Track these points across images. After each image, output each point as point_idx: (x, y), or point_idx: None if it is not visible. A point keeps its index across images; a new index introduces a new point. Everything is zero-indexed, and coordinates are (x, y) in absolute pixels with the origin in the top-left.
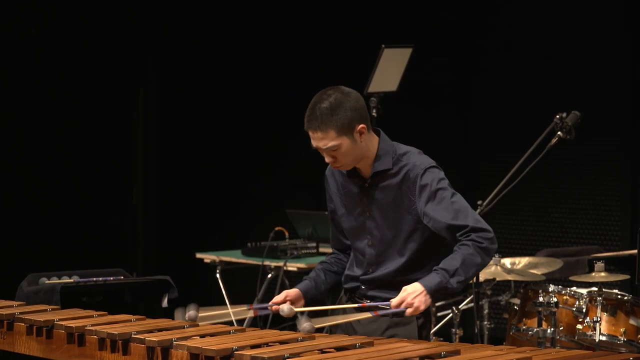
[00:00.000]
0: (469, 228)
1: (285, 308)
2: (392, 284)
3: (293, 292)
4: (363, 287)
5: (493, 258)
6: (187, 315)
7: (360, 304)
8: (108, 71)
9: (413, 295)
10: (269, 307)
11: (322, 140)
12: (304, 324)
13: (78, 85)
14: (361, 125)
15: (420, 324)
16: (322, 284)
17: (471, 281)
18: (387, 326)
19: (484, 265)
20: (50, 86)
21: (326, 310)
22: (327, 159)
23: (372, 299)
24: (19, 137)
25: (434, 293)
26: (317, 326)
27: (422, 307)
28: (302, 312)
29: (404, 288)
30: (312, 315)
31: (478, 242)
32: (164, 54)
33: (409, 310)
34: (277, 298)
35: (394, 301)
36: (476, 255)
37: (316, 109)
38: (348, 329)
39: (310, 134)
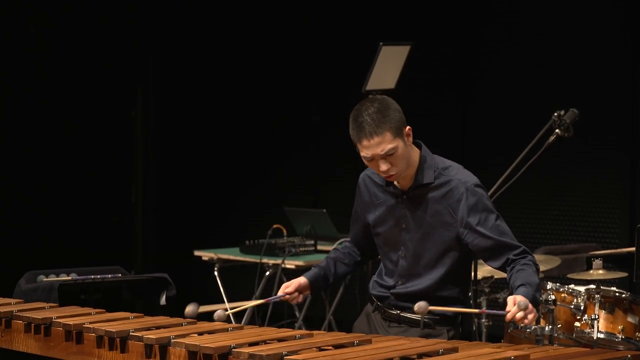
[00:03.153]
0: (522, 249)
1: (216, 316)
2: (422, 298)
3: (303, 282)
4: (393, 297)
5: None
6: (186, 311)
7: (480, 310)
8: (107, 70)
9: (530, 307)
10: (282, 298)
11: (379, 146)
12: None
13: (77, 84)
14: (408, 127)
15: (451, 336)
16: (331, 275)
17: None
18: (419, 337)
19: None
20: (49, 84)
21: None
22: (382, 168)
23: (402, 309)
24: (18, 135)
25: (534, 305)
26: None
27: (536, 318)
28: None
29: (510, 298)
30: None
31: (534, 263)
32: (163, 53)
33: (530, 318)
34: (288, 288)
35: (512, 312)
36: (537, 275)
37: (364, 116)
38: None
39: (365, 143)
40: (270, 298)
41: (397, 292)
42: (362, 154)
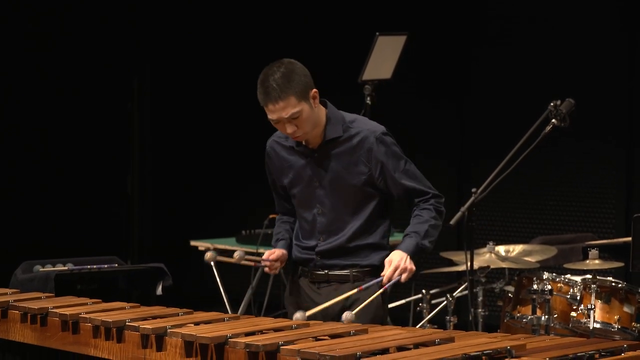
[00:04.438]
0: (430, 194)
1: (236, 255)
2: (347, 250)
3: (284, 253)
4: (318, 257)
5: (487, 246)
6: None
7: (358, 289)
8: (103, 61)
9: (402, 261)
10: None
11: (284, 110)
12: (297, 314)
13: (73, 75)
14: (314, 90)
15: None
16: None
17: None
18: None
19: (440, 227)
20: (46, 76)
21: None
22: (288, 130)
23: (329, 267)
24: (14, 127)
25: (414, 255)
26: (308, 313)
27: (414, 269)
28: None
29: (387, 260)
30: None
31: (437, 206)
32: (159, 44)
33: (404, 276)
34: (272, 255)
35: (386, 274)
36: (438, 219)
37: (270, 81)
38: (311, 303)
39: (270, 107)
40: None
41: (321, 250)
42: (269, 117)
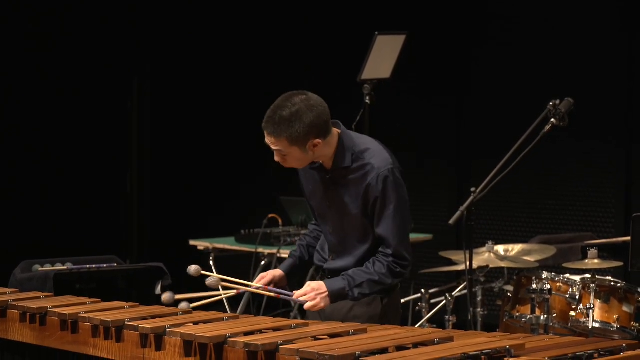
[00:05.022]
0: (391, 250)
1: (192, 269)
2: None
3: (278, 274)
4: (327, 275)
5: (486, 245)
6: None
7: (268, 292)
8: (103, 61)
9: (316, 292)
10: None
11: (273, 144)
12: (191, 267)
13: (73, 75)
14: (316, 141)
15: (385, 304)
16: (306, 263)
17: (463, 267)
18: (352, 305)
19: (389, 285)
20: (46, 76)
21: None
22: (276, 158)
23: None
24: (13, 126)
25: (335, 297)
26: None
27: (322, 305)
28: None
29: (308, 283)
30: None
31: (394, 266)
32: (159, 44)
33: (307, 305)
34: (263, 280)
35: (298, 292)
36: (387, 277)
37: (277, 113)
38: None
39: (265, 133)
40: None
41: (329, 268)
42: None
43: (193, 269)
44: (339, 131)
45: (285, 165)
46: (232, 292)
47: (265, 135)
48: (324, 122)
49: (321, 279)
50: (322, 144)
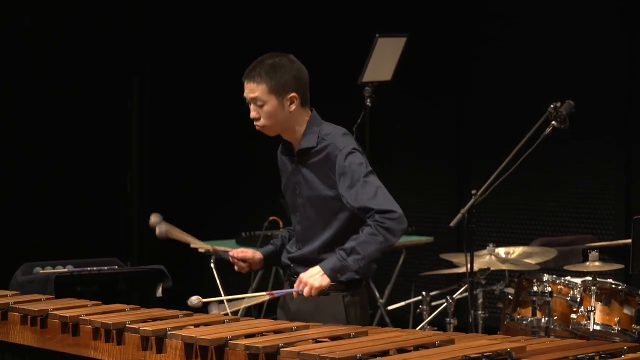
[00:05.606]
0: (373, 211)
1: (193, 300)
2: (316, 261)
3: (257, 255)
4: (292, 265)
5: (487, 247)
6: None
7: (269, 295)
8: (103, 61)
9: (307, 276)
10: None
11: (251, 91)
12: (192, 298)
13: (73, 75)
14: (293, 94)
15: (347, 302)
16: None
17: (464, 270)
18: (317, 304)
19: (388, 243)
20: (45, 75)
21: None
22: (251, 113)
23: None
24: (13, 126)
25: (332, 272)
26: (231, 310)
27: (317, 285)
28: (210, 302)
29: (302, 274)
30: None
31: (380, 222)
32: (159, 44)
33: (306, 290)
34: (237, 253)
35: (295, 286)
36: (377, 234)
37: (259, 62)
38: (284, 306)
39: (245, 84)
40: (219, 250)
41: (293, 257)
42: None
43: (194, 300)
44: (311, 114)
45: (259, 123)
46: (244, 305)
47: (245, 85)
48: (304, 82)
49: (289, 277)
50: (298, 105)
